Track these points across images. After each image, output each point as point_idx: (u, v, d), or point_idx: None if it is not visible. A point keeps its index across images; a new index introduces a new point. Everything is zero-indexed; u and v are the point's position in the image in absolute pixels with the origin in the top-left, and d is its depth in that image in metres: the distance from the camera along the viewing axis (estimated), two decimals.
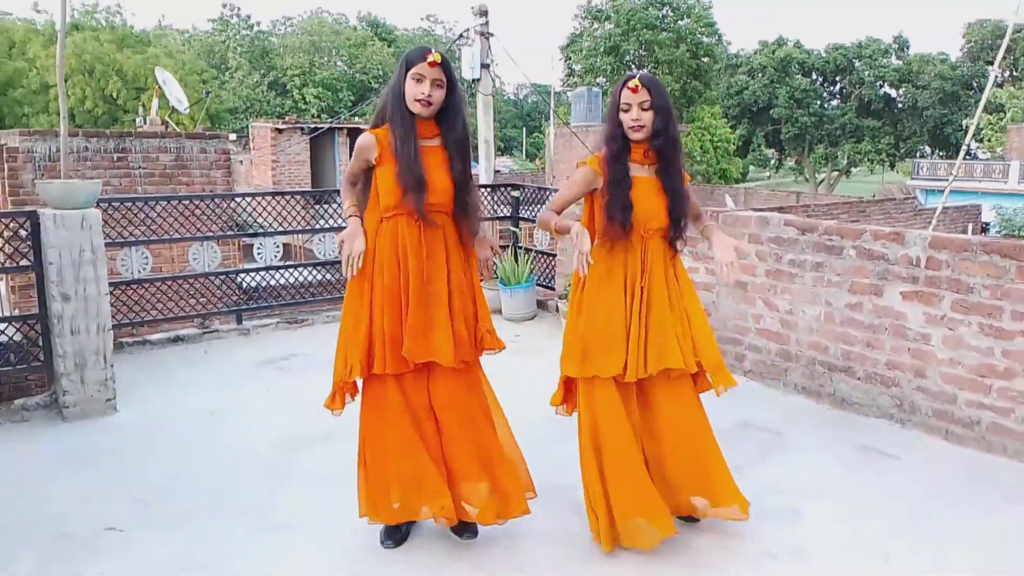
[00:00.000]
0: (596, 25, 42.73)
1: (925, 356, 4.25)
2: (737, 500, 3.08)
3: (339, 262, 6.36)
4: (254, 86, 43.10)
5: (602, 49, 40.91)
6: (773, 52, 49.71)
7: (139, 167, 9.14)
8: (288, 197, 6.17)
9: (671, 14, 40.79)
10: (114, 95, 29.56)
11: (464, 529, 3.08)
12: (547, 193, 6.89)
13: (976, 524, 3.33)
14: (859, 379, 4.55)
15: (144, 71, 28.66)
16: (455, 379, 2.94)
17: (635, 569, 2.97)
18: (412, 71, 2.74)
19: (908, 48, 51.62)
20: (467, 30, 8.98)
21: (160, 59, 29.01)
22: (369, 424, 2.96)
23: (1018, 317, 3.85)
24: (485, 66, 8.70)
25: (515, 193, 7.17)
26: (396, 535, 3.09)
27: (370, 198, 2.92)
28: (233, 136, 14.14)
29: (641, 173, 2.91)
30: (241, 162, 21.47)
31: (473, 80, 8.77)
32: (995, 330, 3.94)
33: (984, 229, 21.83)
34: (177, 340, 5.65)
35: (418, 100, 2.75)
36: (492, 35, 8.63)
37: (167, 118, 11.75)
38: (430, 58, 2.72)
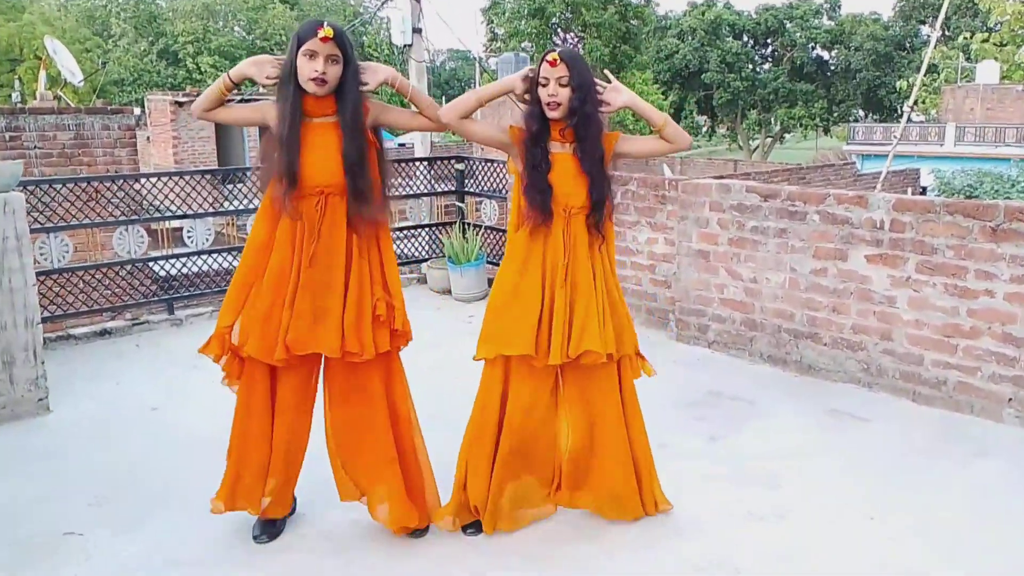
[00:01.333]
0: None
1: (891, 319, 4.55)
2: (628, 512, 3.21)
3: None
4: (142, 55, 41.64)
5: (526, 11, 40.96)
6: (703, 14, 50.73)
7: (35, 146, 8.84)
8: (211, 176, 6.11)
9: None
10: None
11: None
12: (494, 165, 7.00)
13: (951, 480, 3.63)
14: (825, 345, 4.84)
15: (19, 40, 27.44)
16: (351, 373, 2.99)
17: (623, 544, 3.15)
18: (304, 47, 2.72)
19: (840, 8, 53.38)
20: None
21: (37, 27, 27.78)
22: (237, 409, 3.04)
23: (982, 276, 4.18)
24: (417, 31, 8.71)
25: (459, 166, 7.25)
26: (270, 529, 3.17)
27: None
28: (138, 110, 13.70)
29: (560, 150, 2.98)
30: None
31: (405, 46, 8.78)
32: (960, 290, 4.26)
33: (923, 193, 22.91)
34: (104, 333, 5.57)
35: (312, 79, 2.73)
36: None
37: (60, 92, 11.33)
38: (322, 33, 2.68)
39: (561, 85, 2.87)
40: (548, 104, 2.90)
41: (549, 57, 2.88)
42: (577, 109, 2.89)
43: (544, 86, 2.89)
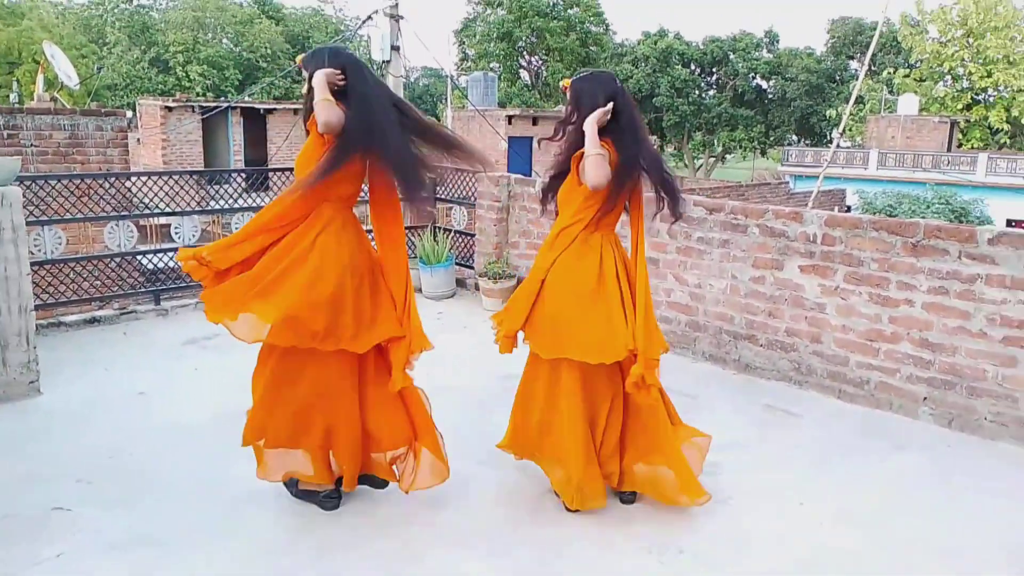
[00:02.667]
0: (489, 10, 42.75)
1: (820, 324, 4.61)
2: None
3: None
4: (134, 62, 40.81)
5: (495, 35, 40.99)
6: (655, 43, 51.02)
7: (31, 145, 8.62)
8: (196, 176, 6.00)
9: (561, 2, 41.29)
10: None
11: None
12: (463, 175, 6.96)
13: (872, 470, 3.69)
14: (762, 346, 4.89)
15: (18, 44, 26.70)
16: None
17: (580, 528, 3.14)
18: None
19: (778, 42, 54.03)
20: (376, 11, 8.90)
21: (35, 32, 27.07)
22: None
23: (903, 287, 4.25)
24: (395, 48, 8.64)
25: (431, 174, 7.19)
26: (336, 495, 3.17)
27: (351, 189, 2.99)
28: (130, 113, 13.40)
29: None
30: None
31: (383, 62, 8.71)
32: (882, 299, 4.34)
33: (848, 211, 23.31)
34: (94, 321, 5.44)
35: None
36: (402, 17, 8.59)
37: (56, 94, 11.06)
38: None
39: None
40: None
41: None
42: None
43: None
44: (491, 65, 40.66)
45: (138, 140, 20.25)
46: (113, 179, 6.05)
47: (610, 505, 3.27)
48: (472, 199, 6.80)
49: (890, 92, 36.28)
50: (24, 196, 5.20)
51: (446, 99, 27.92)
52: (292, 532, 3.04)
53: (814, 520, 3.22)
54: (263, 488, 3.30)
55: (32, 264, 5.09)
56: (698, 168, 53.86)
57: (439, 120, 44.22)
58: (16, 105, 12.00)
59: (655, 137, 55.91)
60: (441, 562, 2.89)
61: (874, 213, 18.70)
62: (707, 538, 3.07)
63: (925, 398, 4.24)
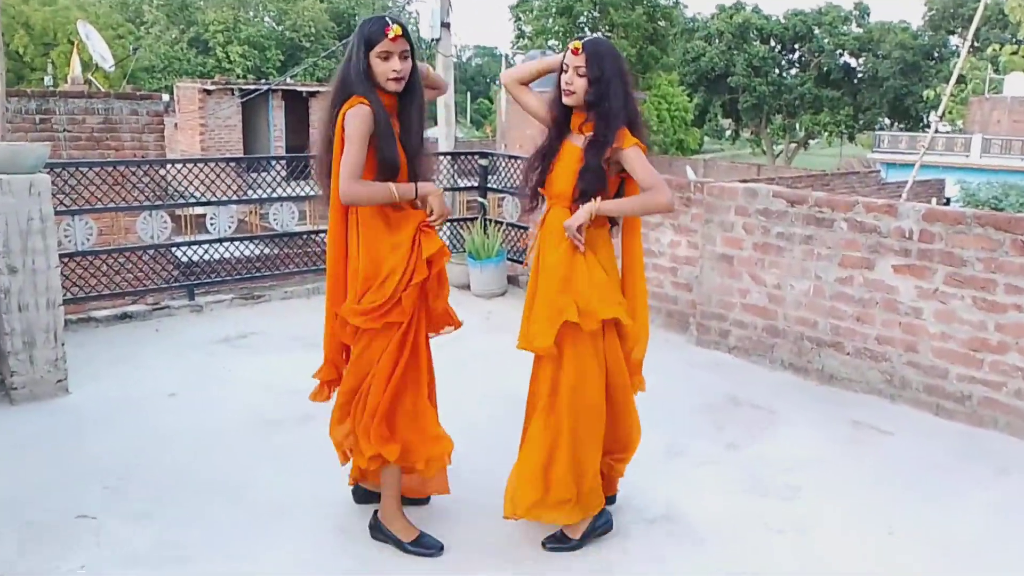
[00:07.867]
0: None
1: (916, 330, 4.45)
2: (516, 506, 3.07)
3: (295, 235, 6.36)
4: (173, 43, 41.97)
5: (554, 9, 40.92)
6: (731, 17, 50.38)
7: (64, 129, 8.87)
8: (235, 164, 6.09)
9: None
10: (20, 51, 28.42)
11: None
12: (517, 162, 6.93)
13: (972, 497, 3.53)
14: (848, 354, 4.74)
15: (53, 25, 27.66)
16: None
17: (643, 548, 3.08)
18: (377, 50, 2.76)
19: (868, 15, 52.87)
20: None
21: (71, 12, 28.01)
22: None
23: (1011, 291, 4.07)
24: (446, 25, 8.65)
25: (482, 161, 7.19)
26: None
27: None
28: (166, 97, 13.78)
29: (574, 142, 2.94)
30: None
31: (433, 40, 8.73)
32: (988, 304, 4.16)
33: (947, 204, 22.61)
34: (125, 317, 5.56)
35: (392, 79, 2.79)
36: None
37: (91, 76, 11.40)
38: (391, 33, 2.74)
39: (578, 75, 2.85)
40: (564, 91, 2.90)
41: (572, 45, 2.90)
42: (594, 104, 2.86)
43: (564, 72, 2.89)
44: (549, 43, 40.52)
45: (175, 125, 20.76)
46: (147, 166, 6.19)
47: (679, 527, 3.21)
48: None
49: (995, 71, 35.01)
50: (54, 184, 5.35)
51: (499, 81, 27.91)
52: (325, 549, 3.05)
53: (905, 552, 3.10)
54: (294, 498, 3.33)
55: (61, 256, 5.22)
56: (777, 155, 52.93)
57: (492, 103, 44.18)
58: (50, 88, 12.42)
59: (729, 120, 55.18)
60: None
61: (977, 206, 18.11)
62: (783, 569, 2.98)
63: None
